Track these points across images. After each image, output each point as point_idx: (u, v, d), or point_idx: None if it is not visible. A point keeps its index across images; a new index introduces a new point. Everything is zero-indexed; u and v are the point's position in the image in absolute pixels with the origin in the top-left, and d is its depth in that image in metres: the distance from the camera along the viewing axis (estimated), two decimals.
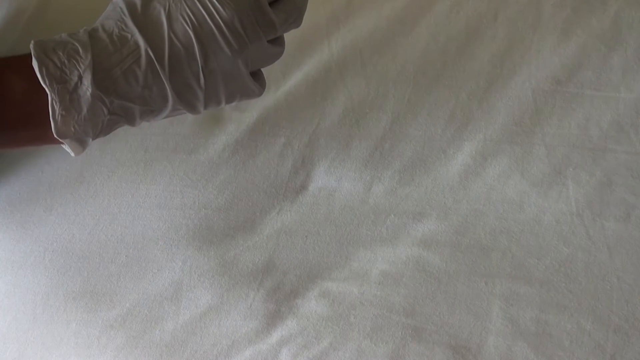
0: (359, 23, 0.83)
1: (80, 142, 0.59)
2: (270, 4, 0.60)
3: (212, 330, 0.79)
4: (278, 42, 0.64)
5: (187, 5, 0.58)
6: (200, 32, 0.58)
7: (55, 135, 0.57)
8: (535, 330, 0.76)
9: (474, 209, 0.79)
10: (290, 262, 0.80)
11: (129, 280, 0.80)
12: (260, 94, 0.64)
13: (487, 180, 0.80)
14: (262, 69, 0.66)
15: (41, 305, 0.80)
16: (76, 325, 0.80)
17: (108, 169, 0.82)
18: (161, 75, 0.58)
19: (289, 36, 0.67)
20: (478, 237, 0.79)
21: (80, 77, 0.56)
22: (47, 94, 0.56)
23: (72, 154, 0.60)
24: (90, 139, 0.59)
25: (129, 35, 0.57)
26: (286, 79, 0.83)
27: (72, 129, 0.57)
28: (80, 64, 0.56)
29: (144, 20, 0.58)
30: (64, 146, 0.59)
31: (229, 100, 0.62)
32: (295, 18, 0.63)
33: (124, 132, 0.82)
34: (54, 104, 0.56)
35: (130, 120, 0.60)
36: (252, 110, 0.82)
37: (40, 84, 0.56)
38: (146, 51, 0.57)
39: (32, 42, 0.57)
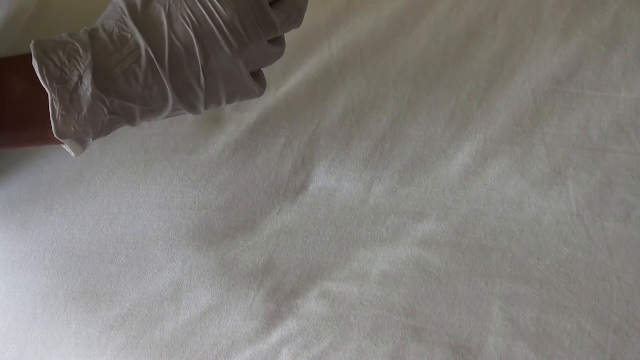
0: (359, 23, 0.83)
1: (81, 142, 0.59)
2: (271, 4, 0.60)
3: (212, 330, 0.79)
4: (278, 42, 0.64)
5: (188, 5, 0.58)
6: (201, 31, 0.58)
7: (55, 135, 0.57)
8: (535, 330, 0.76)
9: (474, 209, 0.79)
10: (290, 262, 0.80)
11: (129, 280, 0.80)
12: (260, 94, 0.64)
13: (487, 180, 0.80)
14: (262, 69, 0.66)
15: (41, 305, 0.80)
16: (76, 325, 0.80)
17: (108, 169, 0.82)
18: (161, 75, 0.58)
19: (289, 36, 0.67)
20: (478, 237, 0.79)
21: (80, 77, 0.56)
22: (47, 94, 0.56)
23: (72, 154, 0.60)
24: (91, 139, 0.59)
25: (129, 35, 0.57)
26: (286, 79, 0.83)
27: (72, 128, 0.57)
28: (81, 64, 0.56)
29: (144, 20, 0.58)
30: (64, 146, 0.59)
31: (230, 100, 0.62)
32: (295, 18, 0.63)
33: (124, 132, 0.82)
34: (54, 103, 0.56)
35: (131, 120, 0.60)
36: (252, 110, 0.82)
37: (40, 84, 0.56)
38: (146, 51, 0.57)
39: (32, 41, 0.57)
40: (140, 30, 0.57)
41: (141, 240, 0.81)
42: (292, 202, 0.81)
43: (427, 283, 0.78)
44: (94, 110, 0.57)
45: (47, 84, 0.56)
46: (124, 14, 0.58)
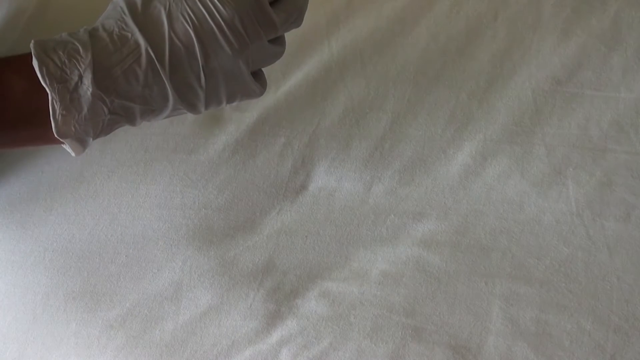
0: (359, 23, 0.83)
1: (81, 142, 0.59)
2: (271, 4, 0.60)
3: (212, 330, 0.79)
4: (279, 41, 0.64)
5: (188, 5, 0.58)
6: (201, 31, 0.58)
7: (55, 135, 0.57)
8: (535, 330, 0.76)
9: (474, 209, 0.79)
10: (290, 262, 0.80)
11: (129, 280, 0.80)
12: (261, 94, 0.64)
13: (487, 180, 0.80)
14: (263, 69, 0.66)
15: (41, 305, 0.80)
16: (76, 325, 0.80)
17: (108, 169, 0.82)
18: (162, 74, 0.58)
19: (289, 36, 0.67)
20: (478, 237, 0.79)
21: (80, 77, 0.56)
22: (47, 94, 0.56)
23: (73, 154, 0.60)
24: (91, 139, 0.59)
25: (130, 35, 0.57)
26: (286, 79, 0.83)
27: (73, 128, 0.57)
28: (81, 64, 0.56)
29: (144, 19, 0.58)
30: (64, 146, 0.59)
31: (230, 100, 0.62)
32: (295, 18, 0.63)
33: (124, 132, 0.82)
34: (54, 103, 0.56)
35: (131, 119, 0.60)
36: (252, 110, 0.82)
37: (41, 84, 0.56)
38: (146, 50, 0.57)
39: (32, 41, 0.57)
40: (140, 30, 0.57)
41: (141, 240, 0.81)
42: (292, 202, 0.81)
43: (427, 283, 0.78)
44: (94, 110, 0.57)
45: (48, 83, 0.56)
46: (124, 14, 0.58)
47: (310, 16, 0.67)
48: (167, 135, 0.82)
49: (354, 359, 0.77)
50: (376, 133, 0.81)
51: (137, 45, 0.57)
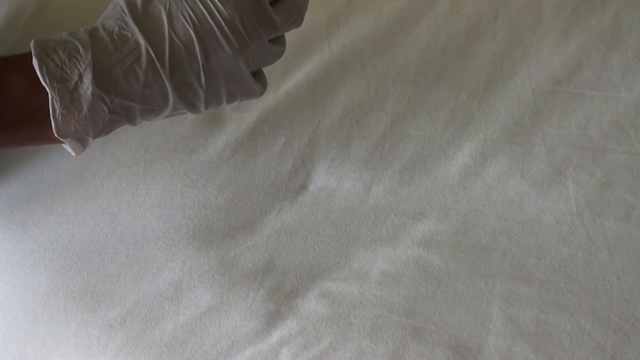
0: (359, 23, 0.83)
1: (81, 142, 0.59)
2: (271, 4, 0.60)
3: (212, 330, 0.79)
4: (279, 41, 0.64)
5: (188, 4, 0.58)
6: (201, 30, 0.58)
7: (55, 135, 0.57)
8: (535, 330, 0.76)
9: (474, 209, 0.79)
10: (290, 262, 0.80)
11: (129, 280, 0.80)
12: (261, 93, 0.64)
13: (487, 180, 0.80)
14: (263, 69, 0.66)
15: (41, 305, 0.80)
16: (76, 325, 0.80)
17: (108, 169, 0.82)
18: (162, 74, 0.58)
19: (289, 36, 0.67)
20: (478, 237, 0.79)
21: (80, 76, 0.56)
22: (47, 93, 0.56)
23: (73, 154, 0.60)
24: (91, 138, 0.59)
25: (130, 34, 0.57)
26: (286, 79, 0.83)
27: (73, 128, 0.57)
28: (81, 63, 0.56)
29: (144, 19, 0.58)
30: (64, 145, 0.59)
31: (230, 99, 0.62)
32: (296, 17, 0.63)
33: (124, 132, 0.82)
34: (55, 102, 0.56)
35: (131, 119, 0.60)
36: (252, 110, 0.82)
37: (41, 83, 0.56)
38: (146, 50, 0.57)
39: (33, 41, 0.57)
40: (140, 30, 0.57)
41: (141, 240, 0.81)
42: (292, 202, 0.81)
43: (427, 283, 0.78)
44: (94, 109, 0.57)
45: (48, 83, 0.56)
46: (125, 13, 0.58)
47: (310, 16, 0.67)
48: (167, 135, 0.82)
49: (354, 359, 0.77)
50: (376, 133, 0.81)
51: (137, 44, 0.57)
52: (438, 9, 0.83)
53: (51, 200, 0.82)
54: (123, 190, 0.82)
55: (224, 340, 0.79)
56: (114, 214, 0.81)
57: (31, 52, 0.57)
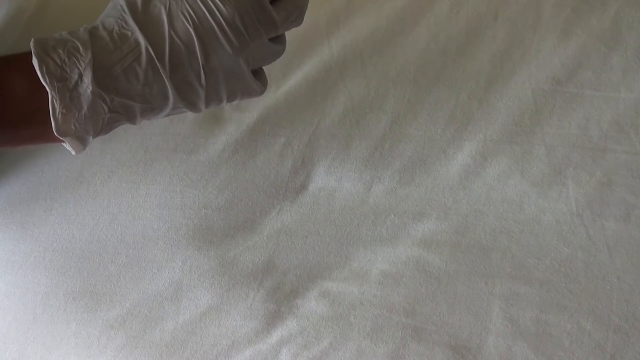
0: (359, 23, 0.83)
1: (81, 140, 0.59)
2: (271, 2, 0.60)
3: (212, 330, 0.79)
4: (279, 40, 0.64)
5: (188, 3, 0.58)
6: (201, 29, 0.58)
7: (55, 134, 0.57)
8: (535, 330, 0.76)
9: (474, 209, 0.79)
10: (290, 262, 0.80)
11: (129, 280, 0.80)
12: (261, 92, 0.64)
13: (487, 180, 0.80)
14: (263, 68, 0.66)
15: (41, 305, 0.80)
16: (76, 325, 0.80)
17: (108, 169, 0.82)
18: (162, 73, 0.58)
19: (289, 36, 0.67)
20: (478, 237, 0.79)
21: (80, 75, 0.56)
22: (47, 92, 0.56)
23: (73, 152, 0.60)
24: (91, 137, 0.59)
25: (129, 33, 0.57)
26: (286, 79, 0.83)
27: (73, 127, 0.57)
28: (81, 62, 0.56)
29: (144, 18, 0.58)
30: (64, 144, 0.59)
31: (231, 98, 0.62)
32: (296, 16, 0.62)
33: (124, 132, 0.82)
34: (54, 102, 0.56)
35: (131, 118, 0.60)
36: (252, 110, 0.82)
37: (41, 82, 0.56)
38: (146, 49, 0.57)
39: (32, 40, 0.57)
40: (140, 29, 0.57)
41: (141, 240, 0.81)
42: (292, 202, 0.81)
43: (427, 283, 0.78)
44: (94, 108, 0.57)
45: (48, 82, 0.56)
46: (124, 12, 0.58)
47: (310, 16, 0.67)
48: (167, 135, 0.82)
49: (354, 359, 0.77)
50: (376, 133, 0.82)
51: (137, 43, 0.57)
52: (438, 9, 0.83)
53: (51, 200, 0.82)
54: (123, 190, 0.82)
55: (224, 340, 0.79)
56: (114, 214, 0.82)
57: (31, 51, 0.56)
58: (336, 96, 0.82)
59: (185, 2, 0.58)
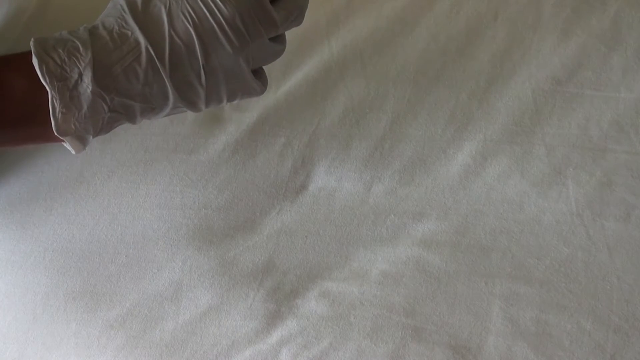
0: (359, 23, 0.83)
1: (81, 140, 0.59)
2: (271, 2, 0.60)
3: (212, 330, 0.79)
4: (279, 40, 0.64)
5: (188, 3, 0.58)
6: (201, 29, 0.58)
7: (55, 133, 0.57)
8: (535, 330, 0.76)
9: (474, 209, 0.79)
10: (290, 262, 0.80)
11: (129, 280, 0.80)
12: (262, 92, 0.64)
13: (487, 180, 0.80)
14: (263, 67, 0.66)
15: (41, 305, 0.80)
16: (76, 325, 0.80)
17: (108, 169, 0.82)
18: (162, 72, 0.58)
19: (289, 36, 0.67)
20: (478, 237, 0.79)
21: (80, 75, 0.56)
22: (47, 92, 0.56)
23: (73, 152, 0.60)
24: (91, 137, 0.59)
25: (130, 33, 0.57)
26: (286, 79, 0.83)
27: (73, 126, 0.57)
28: (81, 62, 0.56)
29: (144, 17, 0.58)
30: (64, 144, 0.59)
31: (231, 98, 0.62)
32: (296, 16, 0.62)
33: (124, 132, 0.82)
34: (54, 101, 0.56)
35: (131, 117, 0.60)
36: (252, 110, 0.82)
37: (41, 82, 0.56)
38: (146, 48, 0.57)
39: (32, 39, 0.57)
40: (140, 28, 0.57)
41: (141, 240, 0.81)
42: (292, 202, 0.81)
43: (427, 283, 0.78)
44: (94, 107, 0.57)
45: (48, 81, 0.56)
46: (124, 12, 0.58)
47: (310, 16, 0.67)
48: (167, 135, 0.82)
49: (354, 359, 0.77)
50: (376, 133, 0.82)
51: (137, 43, 0.57)
52: (438, 9, 0.83)
53: (51, 200, 0.82)
54: (123, 190, 0.82)
55: (224, 340, 0.79)
56: (114, 214, 0.82)
57: (31, 51, 0.56)
58: (336, 96, 0.82)
59: (185, 2, 0.58)
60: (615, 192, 0.78)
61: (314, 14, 0.82)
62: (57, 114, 0.56)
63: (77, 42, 0.57)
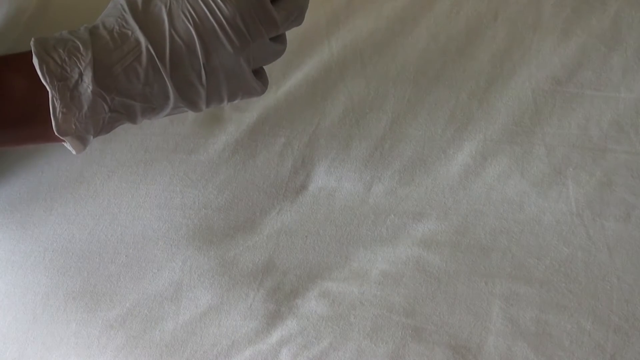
0: (359, 23, 0.83)
1: (82, 140, 0.59)
2: (272, 2, 0.60)
3: (212, 330, 0.79)
4: (280, 40, 0.64)
5: (189, 2, 0.57)
6: (202, 29, 0.58)
7: (56, 133, 0.57)
8: (535, 330, 0.76)
9: (474, 209, 0.79)
10: (290, 262, 0.80)
11: (129, 280, 0.80)
12: (262, 92, 0.64)
13: (487, 180, 0.80)
14: (264, 67, 0.66)
15: (41, 305, 0.80)
16: (76, 325, 0.80)
17: (108, 169, 0.82)
18: (162, 72, 0.58)
19: (289, 36, 0.67)
20: (478, 237, 0.79)
21: (80, 75, 0.56)
22: (47, 92, 0.56)
23: (74, 152, 0.60)
24: (92, 137, 0.59)
25: (130, 32, 0.57)
26: (286, 79, 0.83)
27: (73, 126, 0.57)
28: (81, 61, 0.56)
29: (144, 17, 0.58)
30: (65, 144, 0.59)
31: (231, 98, 0.62)
32: (296, 16, 0.62)
33: (124, 132, 0.82)
34: (55, 101, 0.56)
35: (132, 117, 0.60)
36: (252, 110, 0.82)
37: (41, 82, 0.56)
38: (147, 48, 0.57)
39: (33, 39, 0.57)
40: (141, 28, 0.57)
41: (141, 240, 0.81)
42: (292, 202, 0.81)
43: (427, 283, 0.78)
44: (94, 107, 0.57)
45: (48, 81, 0.56)
46: (125, 12, 0.58)
47: (310, 16, 0.67)
48: (167, 135, 0.82)
49: (354, 359, 0.77)
50: (376, 133, 0.82)
51: (138, 43, 0.57)
52: (438, 9, 0.83)
53: (51, 200, 0.82)
54: (123, 190, 0.82)
55: (224, 340, 0.79)
56: (114, 214, 0.81)
57: (31, 51, 0.56)
58: (336, 96, 0.82)
59: (185, 2, 0.58)
60: (615, 192, 0.78)
61: (314, 14, 0.82)
62: (57, 114, 0.56)
63: (78, 42, 0.57)
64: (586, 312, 0.76)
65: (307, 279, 0.80)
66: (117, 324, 0.80)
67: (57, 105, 0.56)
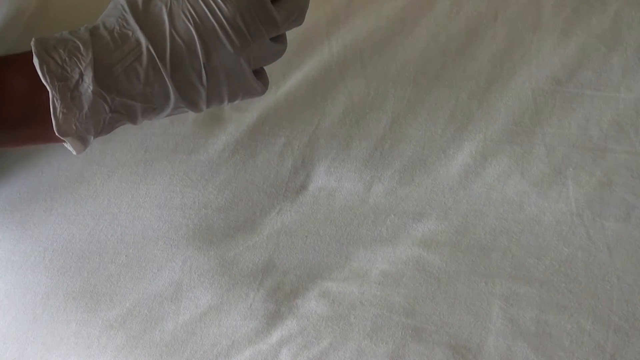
0: (359, 23, 0.83)
1: (82, 140, 0.59)
2: (272, 2, 0.60)
3: (212, 330, 0.79)
4: (280, 40, 0.64)
5: (189, 3, 0.57)
6: (202, 29, 0.58)
7: (56, 133, 0.57)
8: (535, 330, 0.76)
9: (474, 209, 0.79)
10: (290, 262, 0.80)
11: (129, 280, 0.80)
12: (263, 92, 0.64)
13: (487, 180, 0.80)
14: (264, 67, 0.66)
15: (41, 305, 0.80)
16: (76, 325, 0.80)
17: (108, 169, 0.82)
18: (163, 72, 0.58)
19: (289, 36, 0.67)
20: (478, 237, 0.79)
21: (81, 75, 0.56)
22: (48, 92, 0.56)
23: (74, 153, 0.60)
24: (92, 137, 0.59)
25: (130, 33, 0.57)
26: (286, 79, 0.83)
27: (74, 126, 0.57)
28: (81, 62, 0.56)
29: (145, 17, 0.58)
30: (65, 144, 0.59)
31: (232, 98, 0.62)
32: (297, 16, 0.62)
33: (124, 132, 0.82)
34: (55, 101, 0.56)
35: (132, 118, 0.60)
36: (252, 110, 0.82)
37: (41, 82, 0.56)
38: (147, 48, 0.57)
39: (33, 39, 0.57)
40: (141, 28, 0.57)
41: (141, 240, 0.81)
42: (292, 202, 0.81)
43: (427, 283, 0.78)
44: (95, 108, 0.57)
45: (48, 81, 0.56)
46: (125, 12, 0.58)
47: (310, 16, 0.67)
48: (167, 135, 0.82)
49: (354, 359, 0.77)
50: (376, 133, 0.82)
51: (138, 43, 0.57)
52: (438, 9, 0.83)
53: (51, 200, 0.82)
54: (123, 190, 0.82)
55: (224, 340, 0.79)
56: (114, 214, 0.81)
57: (31, 51, 0.56)
58: (336, 96, 0.82)
59: (186, 2, 0.58)
60: (615, 192, 0.78)
61: (314, 14, 0.82)
62: (58, 114, 0.56)
63: (78, 42, 0.57)
64: (586, 312, 0.76)
65: (307, 279, 0.80)
66: (117, 324, 0.80)
67: (58, 105, 0.56)
